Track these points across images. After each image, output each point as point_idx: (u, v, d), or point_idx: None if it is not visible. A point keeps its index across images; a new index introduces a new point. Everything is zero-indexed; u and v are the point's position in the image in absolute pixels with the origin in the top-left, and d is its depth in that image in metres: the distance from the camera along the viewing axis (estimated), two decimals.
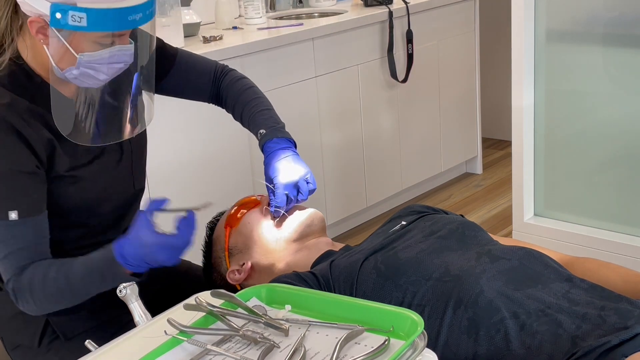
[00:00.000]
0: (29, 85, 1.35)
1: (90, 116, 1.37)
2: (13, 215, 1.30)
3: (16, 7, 1.30)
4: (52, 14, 1.22)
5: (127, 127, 1.43)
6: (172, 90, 1.63)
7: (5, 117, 1.30)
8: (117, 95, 1.39)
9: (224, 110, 1.72)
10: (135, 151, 1.54)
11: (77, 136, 1.35)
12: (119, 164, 1.50)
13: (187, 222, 1.26)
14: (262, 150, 1.56)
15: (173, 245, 1.25)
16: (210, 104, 1.73)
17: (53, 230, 1.38)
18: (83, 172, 1.42)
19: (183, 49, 1.69)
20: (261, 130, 1.57)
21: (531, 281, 1.30)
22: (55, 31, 1.25)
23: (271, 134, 1.56)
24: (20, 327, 1.50)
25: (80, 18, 1.22)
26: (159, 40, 1.56)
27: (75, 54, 1.27)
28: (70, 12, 1.22)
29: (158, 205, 1.27)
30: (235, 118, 1.67)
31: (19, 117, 1.31)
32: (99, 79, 1.32)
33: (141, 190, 1.60)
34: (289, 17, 3.49)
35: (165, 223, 1.29)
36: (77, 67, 1.29)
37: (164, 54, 1.60)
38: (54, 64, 1.30)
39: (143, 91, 1.43)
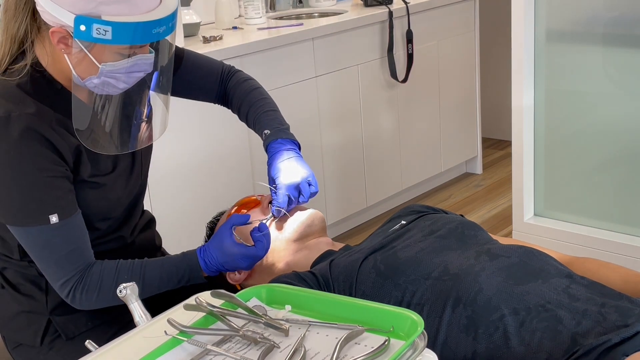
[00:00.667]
0: (50, 93, 1.35)
1: (109, 126, 1.38)
2: (54, 219, 1.32)
3: (34, 13, 1.30)
4: (77, 26, 1.22)
5: (146, 135, 1.45)
6: (179, 91, 1.63)
7: (33, 127, 1.30)
8: (135, 104, 1.41)
9: (224, 110, 1.72)
10: (144, 156, 1.55)
11: (96, 145, 1.36)
12: (133, 170, 1.51)
13: (262, 233, 1.46)
14: (266, 150, 1.56)
15: (254, 255, 1.44)
16: (216, 105, 1.73)
17: None
18: (104, 179, 1.44)
19: (188, 49, 1.69)
20: (266, 131, 1.57)
21: (531, 276, 1.30)
22: (79, 42, 1.25)
23: (275, 135, 1.56)
24: (22, 326, 1.50)
25: (105, 31, 1.22)
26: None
27: (98, 64, 1.27)
28: (95, 25, 1.22)
29: (239, 220, 1.47)
30: (240, 118, 1.67)
31: (47, 126, 1.32)
32: (119, 87, 1.33)
33: (143, 191, 1.60)
34: (289, 17, 3.49)
35: None
36: (99, 77, 1.29)
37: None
38: (75, 73, 1.30)
39: (160, 100, 1.44)
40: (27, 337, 1.50)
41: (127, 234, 1.55)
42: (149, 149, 1.58)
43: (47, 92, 1.35)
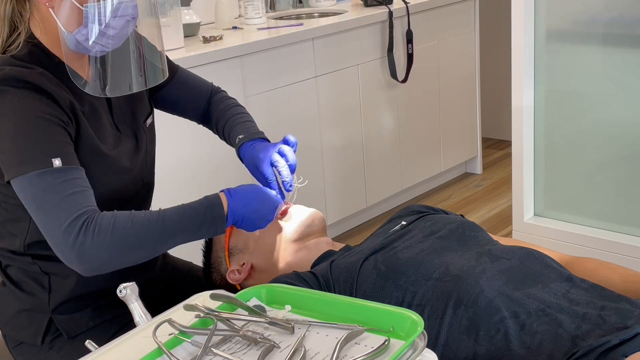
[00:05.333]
0: (49, 64, 1.36)
1: (104, 66, 1.36)
2: (57, 162, 1.27)
3: None
4: None
5: (142, 77, 1.41)
6: (167, 103, 1.64)
7: (36, 81, 1.30)
8: (128, 45, 1.38)
9: None
10: (148, 141, 1.55)
11: (93, 87, 1.35)
12: (137, 152, 1.50)
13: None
14: (239, 152, 1.57)
15: (276, 201, 1.42)
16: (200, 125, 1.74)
17: None
18: (108, 149, 1.41)
19: (182, 67, 1.70)
20: (240, 136, 1.57)
21: (531, 280, 1.30)
22: None
23: (249, 137, 1.56)
24: (24, 325, 1.50)
25: None
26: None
27: (80, 6, 1.28)
28: None
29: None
30: (217, 130, 1.67)
31: (45, 80, 1.32)
32: (109, 34, 1.32)
33: (151, 187, 1.59)
34: (289, 17, 3.49)
35: None
36: (85, 25, 1.30)
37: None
38: (63, 30, 1.31)
39: (154, 45, 1.42)
40: (28, 335, 1.50)
41: None
42: (152, 136, 1.57)
43: (45, 61, 1.36)
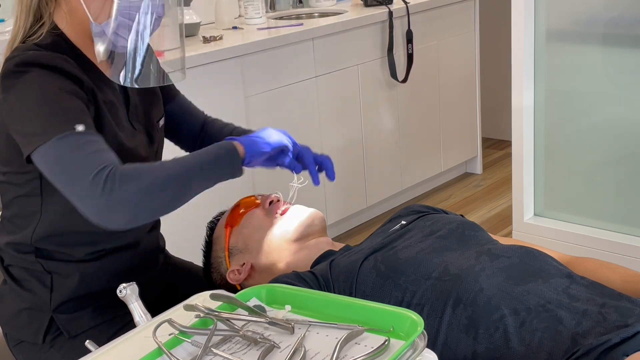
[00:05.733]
0: (72, 55, 1.38)
1: (125, 56, 1.38)
2: (80, 127, 1.28)
3: None
4: None
5: (161, 73, 1.44)
6: (166, 121, 1.65)
7: (60, 64, 1.32)
8: (150, 39, 1.41)
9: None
10: (160, 140, 1.57)
11: (123, 77, 1.37)
12: (150, 147, 1.52)
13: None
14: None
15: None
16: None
17: (82, 219, 1.37)
18: (125, 137, 1.43)
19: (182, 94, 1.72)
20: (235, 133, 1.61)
21: (531, 276, 1.30)
22: None
23: (241, 133, 1.60)
24: (25, 324, 1.50)
25: None
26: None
27: None
28: None
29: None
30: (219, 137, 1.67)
31: (73, 68, 1.34)
32: (135, 29, 1.34)
33: None
34: (289, 17, 3.50)
35: None
36: (115, 18, 1.32)
37: (168, 88, 1.64)
38: (92, 20, 1.34)
39: (175, 43, 1.46)
40: (29, 334, 1.50)
41: (138, 229, 1.54)
42: (162, 138, 1.59)
43: (67, 51, 1.38)
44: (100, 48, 1.36)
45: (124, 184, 1.24)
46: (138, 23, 1.34)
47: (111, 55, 1.37)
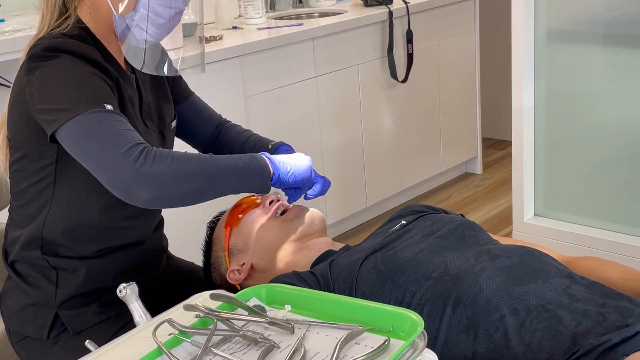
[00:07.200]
0: (95, 45, 1.40)
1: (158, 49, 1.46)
2: (109, 107, 1.30)
3: None
4: None
5: (178, 63, 1.50)
6: (179, 121, 1.67)
7: (87, 53, 1.35)
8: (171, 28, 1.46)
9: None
10: (171, 141, 1.60)
11: (150, 66, 1.44)
12: (162, 146, 1.53)
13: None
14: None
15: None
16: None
17: (93, 210, 1.41)
18: (141, 131, 1.44)
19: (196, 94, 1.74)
20: (272, 143, 1.63)
21: (531, 277, 1.30)
22: None
23: (278, 144, 1.62)
24: (29, 319, 1.50)
25: None
26: (181, 78, 1.65)
27: None
28: None
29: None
30: (237, 144, 1.70)
31: (94, 52, 1.37)
32: (159, 23, 1.39)
33: None
34: (289, 17, 3.50)
35: None
36: (137, 10, 1.37)
37: (182, 85, 1.67)
38: (115, 13, 1.37)
39: (195, 38, 1.53)
40: (34, 330, 1.50)
41: (144, 226, 1.55)
42: (173, 139, 1.62)
43: (92, 43, 1.40)
44: (124, 40, 1.40)
45: (158, 162, 1.26)
46: (160, 16, 1.38)
47: (133, 46, 1.41)
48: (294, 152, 1.59)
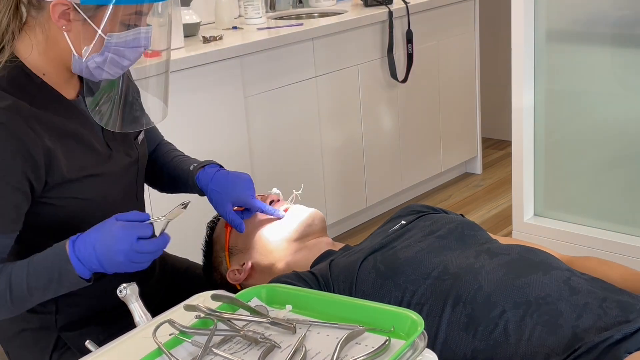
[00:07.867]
0: (29, 87, 1.32)
1: (112, 103, 1.38)
2: None
3: (17, 5, 1.29)
4: None
5: (145, 116, 1.44)
6: None
7: (5, 123, 1.25)
8: (135, 81, 1.40)
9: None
10: (141, 155, 1.53)
11: (112, 124, 1.36)
12: (130, 164, 1.48)
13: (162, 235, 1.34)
14: (198, 181, 1.57)
15: (155, 250, 1.30)
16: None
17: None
18: (95, 165, 1.39)
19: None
20: (193, 165, 1.59)
21: (531, 269, 1.30)
22: (82, 12, 1.25)
23: (202, 164, 1.59)
24: (29, 344, 1.47)
25: None
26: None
27: (104, 35, 1.27)
28: None
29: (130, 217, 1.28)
30: (161, 164, 1.67)
31: (22, 122, 1.27)
32: (123, 65, 1.32)
33: (142, 204, 1.58)
34: (289, 17, 3.49)
35: None
36: (102, 53, 1.29)
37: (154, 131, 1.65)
38: (75, 54, 1.29)
39: (159, 81, 1.43)
40: (34, 354, 1.47)
41: None
42: (144, 151, 1.55)
43: (25, 86, 1.32)
44: (89, 91, 1.34)
45: None
46: (126, 58, 1.31)
47: (97, 96, 1.35)
48: (223, 170, 1.56)
